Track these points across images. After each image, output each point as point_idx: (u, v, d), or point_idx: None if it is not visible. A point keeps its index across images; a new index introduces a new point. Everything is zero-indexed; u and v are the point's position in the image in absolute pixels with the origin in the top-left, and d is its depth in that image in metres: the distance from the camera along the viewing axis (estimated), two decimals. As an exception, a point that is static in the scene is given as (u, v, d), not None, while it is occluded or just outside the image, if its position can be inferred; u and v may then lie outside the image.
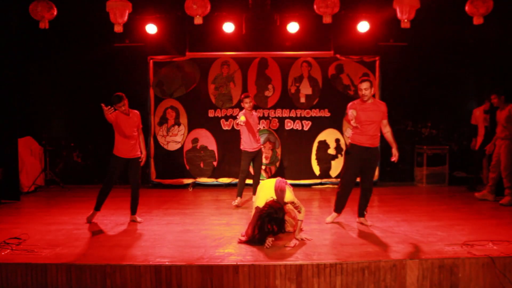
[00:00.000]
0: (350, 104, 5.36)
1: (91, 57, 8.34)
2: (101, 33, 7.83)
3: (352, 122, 5.12)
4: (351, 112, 5.15)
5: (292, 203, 4.82)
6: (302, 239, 4.78)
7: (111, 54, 8.37)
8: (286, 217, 4.88)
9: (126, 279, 4.03)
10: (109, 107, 5.19)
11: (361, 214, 5.52)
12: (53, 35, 7.79)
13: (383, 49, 8.32)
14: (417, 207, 6.60)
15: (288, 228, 5.04)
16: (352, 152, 5.37)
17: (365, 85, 5.18)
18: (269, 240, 4.57)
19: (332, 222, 5.57)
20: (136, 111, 5.70)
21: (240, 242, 4.73)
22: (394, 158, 5.33)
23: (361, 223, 5.49)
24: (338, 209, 5.55)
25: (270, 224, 4.47)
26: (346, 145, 8.36)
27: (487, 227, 5.29)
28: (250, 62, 8.40)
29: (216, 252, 4.41)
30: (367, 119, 5.22)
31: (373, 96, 5.43)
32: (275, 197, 4.70)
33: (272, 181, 4.95)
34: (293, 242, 4.67)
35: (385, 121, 5.34)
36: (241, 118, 6.44)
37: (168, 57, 8.34)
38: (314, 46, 8.28)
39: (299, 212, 4.81)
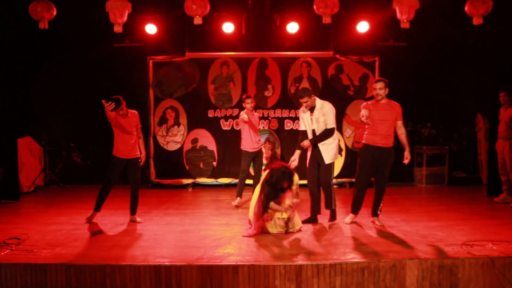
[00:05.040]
0: (364, 104, 5.47)
1: (91, 57, 8.33)
2: (101, 33, 7.82)
3: (363, 119, 5.19)
4: (363, 112, 5.25)
5: (297, 185, 5.09)
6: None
7: (111, 54, 8.35)
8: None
9: (126, 279, 4.03)
10: (110, 102, 5.18)
11: (374, 214, 5.53)
12: (53, 35, 7.78)
13: (383, 49, 8.31)
14: (417, 207, 6.61)
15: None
16: (365, 153, 5.38)
17: (379, 85, 5.29)
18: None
19: (333, 223, 5.58)
20: (134, 111, 5.69)
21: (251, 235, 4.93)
22: (406, 161, 5.37)
23: (373, 222, 5.51)
24: (355, 210, 5.57)
25: (284, 179, 4.83)
26: (346, 145, 8.38)
27: (487, 227, 5.29)
28: (249, 62, 8.40)
29: (215, 252, 4.41)
30: (380, 118, 5.27)
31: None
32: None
33: None
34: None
35: (399, 122, 5.37)
36: (244, 115, 6.46)
37: (167, 57, 8.34)
38: (314, 46, 8.27)
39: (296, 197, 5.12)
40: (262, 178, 5.13)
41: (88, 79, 8.48)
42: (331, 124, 5.42)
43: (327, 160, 5.42)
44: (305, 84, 8.38)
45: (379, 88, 5.27)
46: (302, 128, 5.65)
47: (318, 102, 5.45)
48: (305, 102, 5.38)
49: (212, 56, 8.36)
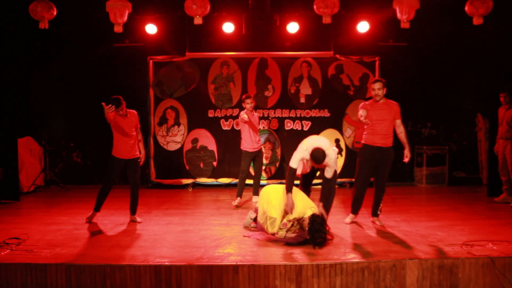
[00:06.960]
0: (361, 104, 5.46)
1: (91, 57, 8.33)
2: (101, 33, 7.82)
3: (362, 118, 5.17)
4: (361, 112, 5.23)
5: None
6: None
7: (111, 54, 8.36)
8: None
9: (126, 280, 4.03)
10: (110, 105, 5.18)
11: (374, 213, 5.53)
12: (53, 35, 7.79)
13: (383, 49, 8.32)
14: (417, 207, 6.61)
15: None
16: (364, 153, 5.38)
17: (378, 85, 5.29)
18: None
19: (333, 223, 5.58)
20: (133, 111, 5.68)
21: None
22: (406, 159, 5.36)
23: (373, 222, 5.51)
24: (355, 210, 5.57)
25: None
26: (346, 145, 8.37)
27: (487, 227, 5.30)
28: (250, 62, 8.40)
29: (215, 252, 4.41)
30: (378, 118, 5.27)
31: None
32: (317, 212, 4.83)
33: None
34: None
35: (398, 121, 5.38)
36: (244, 115, 6.47)
37: (168, 57, 8.34)
38: (314, 46, 8.27)
39: None
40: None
41: (88, 79, 8.49)
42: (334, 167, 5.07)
43: (329, 175, 5.09)
44: (305, 84, 8.38)
45: (377, 89, 5.28)
46: (296, 166, 5.08)
47: (328, 158, 4.93)
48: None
49: (212, 56, 8.36)
